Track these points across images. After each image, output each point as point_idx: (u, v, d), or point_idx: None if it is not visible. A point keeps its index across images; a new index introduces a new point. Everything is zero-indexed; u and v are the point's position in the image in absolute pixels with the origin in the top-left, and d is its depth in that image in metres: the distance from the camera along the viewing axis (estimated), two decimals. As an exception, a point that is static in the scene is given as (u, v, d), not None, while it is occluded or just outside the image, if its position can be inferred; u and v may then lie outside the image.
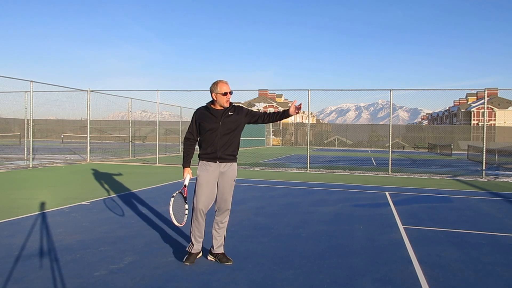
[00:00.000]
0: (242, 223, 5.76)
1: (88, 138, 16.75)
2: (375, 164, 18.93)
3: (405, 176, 12.94)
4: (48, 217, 5.85)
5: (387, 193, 8.89)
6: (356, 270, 3.86)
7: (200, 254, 4.11)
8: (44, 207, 6.55)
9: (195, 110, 4.17)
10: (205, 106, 4.10)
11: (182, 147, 4.22)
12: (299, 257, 4.24)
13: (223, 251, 4.09)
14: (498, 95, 64.48)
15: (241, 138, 4.25)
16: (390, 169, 13.66)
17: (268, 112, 4.27)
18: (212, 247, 4.10)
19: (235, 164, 4.11)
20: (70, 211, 6.29)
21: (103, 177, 10.75)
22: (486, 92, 13.29)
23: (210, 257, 4.11)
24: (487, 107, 57.03)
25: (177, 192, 3.97)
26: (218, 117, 3.98)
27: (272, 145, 47.43)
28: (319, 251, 4.45)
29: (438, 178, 12.49)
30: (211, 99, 4.03)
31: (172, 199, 3.86)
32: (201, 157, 4.07)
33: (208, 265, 3.92)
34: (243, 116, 4.10)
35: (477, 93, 74.34)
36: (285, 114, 4.10)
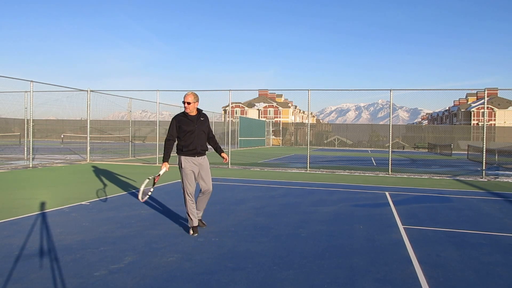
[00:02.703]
0: (242, 223, 5.76)
1: (88, 138, 16.75)
2: (375, 164, 18.93)
3: (405, 176, 12.94)
4: (48, 217, 5.85)
5: (387, 193, 8.89)
6: (356, 270, 3.86)
7: (197, 225, 5.19)
8: (44, 207, 6.55)
9: (174, 116, 5.20)
10: (183, 113, 5.18)
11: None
12: (299, 257, 4.24)
13: (200, 218, 5.44)
14: (498, 95, 64.48)
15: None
16: (390, 169, 13.66)
17: (214, 140, 5.50)
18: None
19: (206, 156, 5.32)
20: (70, 211, 6.29)
21: (103, 177, 10.75)
22: (486, 92, 13.29)
23: None
24: (487, 107, 57.04)
25: (151, 176, 5.12)
26: (194, 121, 5.13)
27: (272, 145, 47.44)
28: (319, 251, 4.45)
29: (438, 178, 12.49)
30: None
31: (147, 180, 5.05)
32: (183, 153, 5.12)
33: (208, 265, 3.92)
34: (207, 123, 5.32)
35: (477, 93, 74.34)
36: (217, 151, 5.47)
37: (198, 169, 5.17)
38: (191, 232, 5.07)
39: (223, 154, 5.44)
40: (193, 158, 5.12)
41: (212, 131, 5.45)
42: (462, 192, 9.42)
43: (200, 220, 5.43)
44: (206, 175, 5.22)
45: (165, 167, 5.10)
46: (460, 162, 21.57)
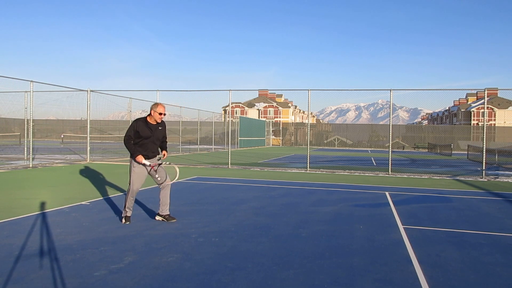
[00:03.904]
0: (242, 223, 5.76)
1: (88, 138, 16.75)
2: (375, 164, 18.93)
3: (405, 176, 12.94)
4: (48, 217, 5.85)
5: (387, 193, 8.89)
6: (356, 270, 3.86)
7: (130, 215, 5.69)
8: (44, 207, 6.55)
9: (136, 119, 5.57)
10: (144, 119, 5.57)
11: (126, 145, 5.52)
12: (299, 257, 4.24)
13: (168, 213, 5.73)
14: (498, 95, 64.47)
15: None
16: (390, 169, 13.66)
17: (165, 143, 5.87)
18: (161, 210, 5.70)
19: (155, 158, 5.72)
20: (70, 211, 6.29)
21: (103, 177, 10.75)
22: (486, 92, 13.29)
23: (158, 218, 5.75)
24: (487, 107, 57.02)
25: (151, 169, 5.57)
26: (153, 129, 5.55)
27: (272, 145, 47.43)
28: (319, 251, 4.45)
29: (438, 178, 12.49)
30: (149, 113, 5.57)
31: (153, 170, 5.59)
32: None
33: (208, 265, 3.92)
34: (164, 130, 5.74)
35: (477, 93, 74.32)
36: (161, 148, 5.83)
37: (147, 171, 5.60)
38: (123, 220, 5.57)
39: (163, 151, 5.85)
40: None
41: (166, 136, 5.87)
42: (462, 192, 9.42)
43: (168, 215, 5.72)
44: (159, 171, 5.62)
45: (143, 159, 5.47)
46: (460, 162, 21.57)
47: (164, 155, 5.83)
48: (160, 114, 5.53)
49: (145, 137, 5.48)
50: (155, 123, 5.60)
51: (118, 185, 9.34)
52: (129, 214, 5.64)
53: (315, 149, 36.15)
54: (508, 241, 5.08)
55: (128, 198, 5.56)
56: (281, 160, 20.34)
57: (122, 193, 8.12)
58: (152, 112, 5.55)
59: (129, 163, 5.63)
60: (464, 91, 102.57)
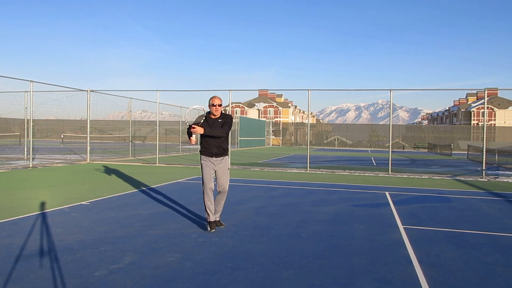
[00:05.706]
0: (242, 223, 5.76)
1: (88, 138, 16.75)
2: (375, 164, 18.92)
3: (405, 176, 12.94)
4: (48, 217, 5.85)
5: (387, 193, 8.89)
6: (356, 270, 3.86)
7: (213, 220, 5.32)
8: (44, 207, 6.55)
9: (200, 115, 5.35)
10: (208, 113, 5.31)
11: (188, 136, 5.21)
12: (299, 257, 4.24)
13: (219, 219, 5.52)
14: (498, 95, 64.46)
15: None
16: (390, 169, 13.66)
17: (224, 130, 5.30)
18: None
19: (226, 157, 5.45)
20: (70, 211, 6.29)
21: (103, 177, 10.75)
22: (486, 92, 13.28)
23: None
24: (487, 107, 57.04)
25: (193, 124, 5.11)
26: (210, 123, 5.24)
27: (272, 145, 47.42)
28: (319, 251, 4.45)
29: (438, 178, 12.48)
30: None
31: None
32: (202, 153, 5.35)
33: (208, 265, 3.92)
34: (222, 123, 5.28)
35: (477, 93, 74.31)
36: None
37: (215, 170, 5.33)
38: (208, 227, 5.24)
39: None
40: (210, 158, 5.29)
41: (226, 128, 5.28)
42: (462, 192, 9.42)
43: (218, 221, 5.48)
44: (222, 176, 5.35)
45: (195, 129, 5.00)
46: (460, 162, 21.56)
47: (196, 127, 5.05)
48: (213, 105, 5.19)
49: (204, 131, 5.10)
50: (215, 117, 5.26)
51: (118, 185, 9.34)
52: (211, 218, 5.26)
53: (315, 149, 36.15)
54: (508, 241, 5.08)
55: (205, 199, 5.22)
56: (281, 160, 20.33)
57: (122, 193, 8.12)
58: (209, 107, 5.26)
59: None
60: (464, 91, 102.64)
